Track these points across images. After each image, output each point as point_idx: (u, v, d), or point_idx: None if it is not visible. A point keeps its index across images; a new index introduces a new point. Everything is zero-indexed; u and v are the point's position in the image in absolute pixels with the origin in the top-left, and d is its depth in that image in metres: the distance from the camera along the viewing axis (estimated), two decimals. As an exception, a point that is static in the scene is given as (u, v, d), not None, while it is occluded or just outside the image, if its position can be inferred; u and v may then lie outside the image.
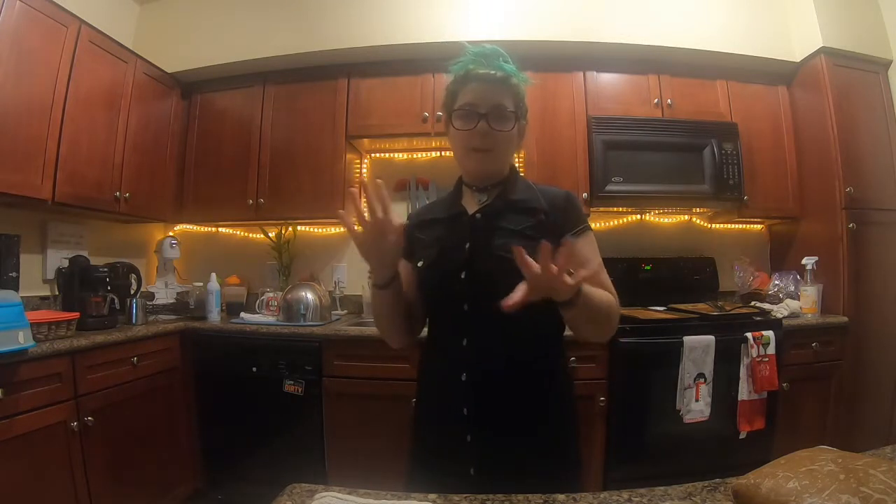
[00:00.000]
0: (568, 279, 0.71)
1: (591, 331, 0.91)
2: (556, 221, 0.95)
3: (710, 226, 2.86)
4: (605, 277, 0.94)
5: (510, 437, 0.91)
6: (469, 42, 1.01)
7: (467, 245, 0.94)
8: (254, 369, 2.16)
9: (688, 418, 1.94)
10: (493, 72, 0.94)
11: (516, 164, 1.03)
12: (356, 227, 0.81)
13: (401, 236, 0.82)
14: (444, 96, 1.01)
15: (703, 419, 1.95)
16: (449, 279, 0.92)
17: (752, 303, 2.42)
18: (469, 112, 0.93)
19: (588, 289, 0.82)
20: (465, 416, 0.91)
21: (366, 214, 0.79)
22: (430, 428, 1.00)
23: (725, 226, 2.86)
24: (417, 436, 1.03)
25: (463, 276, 0.92)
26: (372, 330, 2.10)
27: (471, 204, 1.01)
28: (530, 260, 0.71)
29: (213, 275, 2.46)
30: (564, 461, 0.96)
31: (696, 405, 1.95)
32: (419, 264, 0.98)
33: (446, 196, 1.08)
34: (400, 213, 2.68)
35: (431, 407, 1.00)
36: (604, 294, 0.89)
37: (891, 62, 2.51)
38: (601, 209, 2.68)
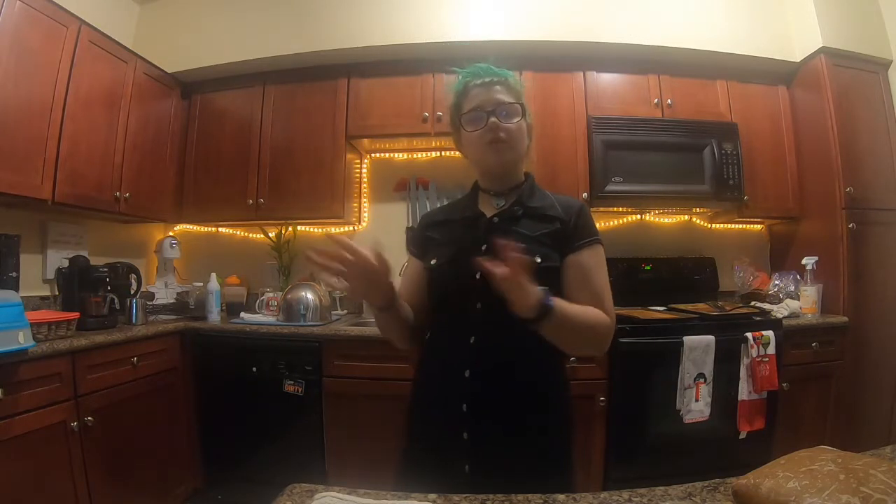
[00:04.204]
0: (526, 286, 0.76)
1: (569, 347, 0.93)
2: (569, 231, 0.98)
3: (710, 226, 2.86)
4: (604, 293, 0.95)
5: (506, 437, 0.92)
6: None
7: (483, 247, 0.95)
8: (254, 369, 2.16)
9: (688, 418, 1.94)
10: (488, 78, 1.00)
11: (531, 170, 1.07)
12: (341, 282, 0.82)
13: (385, 262, 0.83)
14: (449, 115, 1.07)
15: (703, 419, 1.95)
16: (463, 278, 0.93)
17: (752, 303, 2.42)
18: (477, 114, 0.98)
19: (567, 309, 0.84)
20: (463, 413, 0.92)
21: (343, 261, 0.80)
22: (426, 422, 1.01)
23: (725, 226, 2.86)
24: (412, 430, 1.04)
25: (478, 276, 0.92)
26: (372, 330, 2.10)
27: (487, 208, 1.04)
28: (492, 266, 0.75)
29: (213, 275, 2.45)
30: (558, 462, 0.97)
31: (696, 405, 1.95)
32: (432, 262, 1.01)
33: (461, 199, 1.11)
34: (401, 213, 2.64)
35: (429, 401, 1.01)
36: (588, 313, 0.90)
37: (891, 62, 2.51)
38: (601, 209, 2.69)
